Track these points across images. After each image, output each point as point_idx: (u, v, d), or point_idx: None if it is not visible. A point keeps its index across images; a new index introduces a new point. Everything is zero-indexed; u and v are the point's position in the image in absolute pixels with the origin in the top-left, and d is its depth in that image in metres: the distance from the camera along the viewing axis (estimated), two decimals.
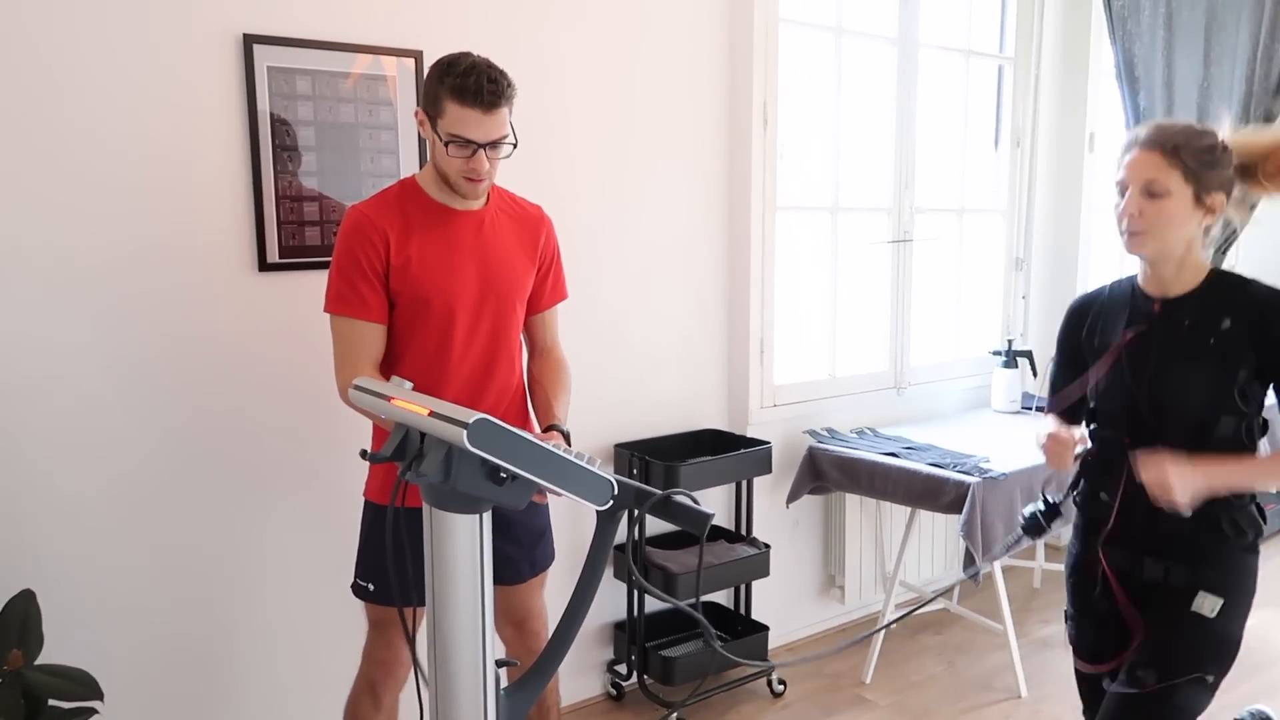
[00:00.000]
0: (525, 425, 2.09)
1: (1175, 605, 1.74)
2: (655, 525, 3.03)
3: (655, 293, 3.00)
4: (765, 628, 3.04)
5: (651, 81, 2.89)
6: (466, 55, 1.84)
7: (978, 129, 3.94)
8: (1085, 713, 2.00)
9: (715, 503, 3.19)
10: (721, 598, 3.23)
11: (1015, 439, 3.26)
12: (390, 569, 1.53)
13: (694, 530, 1.53)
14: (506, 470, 1.35)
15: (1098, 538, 1.85)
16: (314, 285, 2.27)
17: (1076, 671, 1.98)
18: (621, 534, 2.99)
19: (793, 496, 3.26)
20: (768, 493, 3.28)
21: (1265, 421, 1.73)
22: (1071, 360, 1.93)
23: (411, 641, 1.61)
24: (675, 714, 2.84)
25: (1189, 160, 1.66)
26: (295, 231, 2.35)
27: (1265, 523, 1.75)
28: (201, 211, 2.22)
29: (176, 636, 2.29)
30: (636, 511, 1.50)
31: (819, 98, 3.36)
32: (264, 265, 2.31)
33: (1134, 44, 3.80)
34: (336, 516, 2.40)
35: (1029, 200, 4.01)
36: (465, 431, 1.27)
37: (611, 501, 1.44)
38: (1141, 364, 1.75)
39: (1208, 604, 1.70)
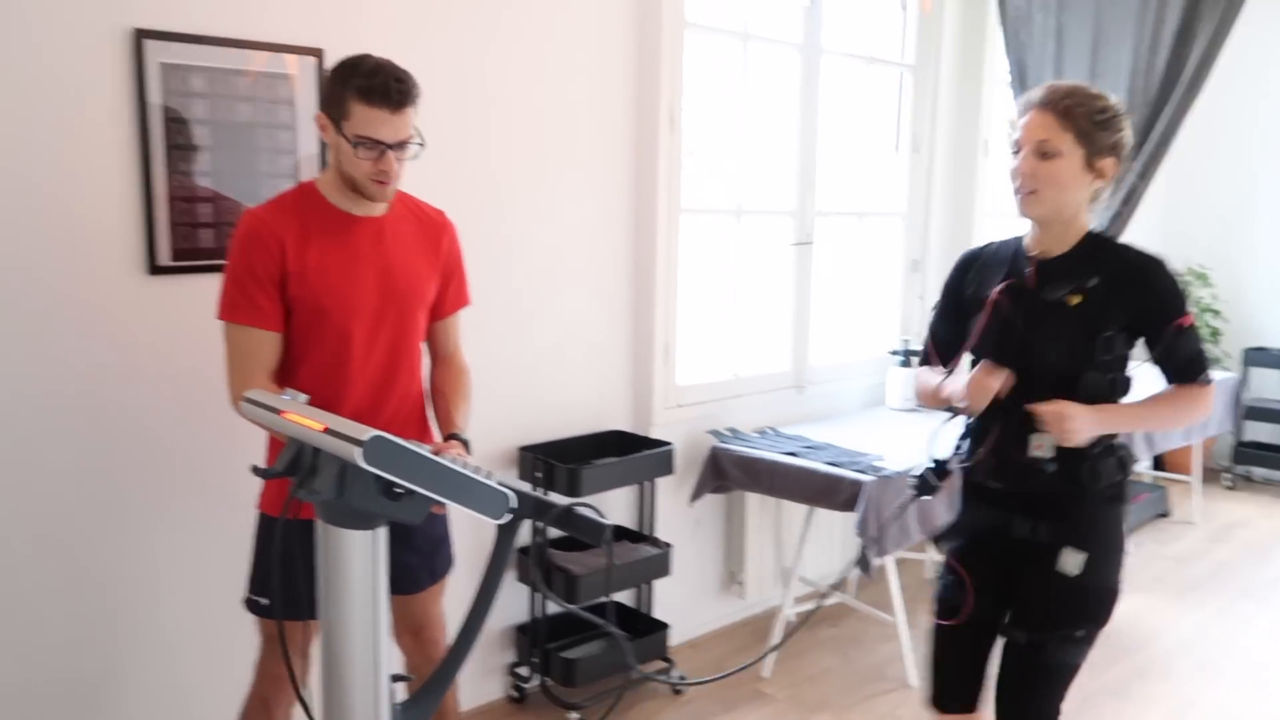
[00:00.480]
0: (425, 435, 2.08)
1: (1043, 563, 1.81)
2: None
3: (559, 295, 3.01)
4: (666, 626, 3.10)
5: (557, 83, 2.90)
6: (369, 56, 1.83)
7: (879, 134, 4.06)
8: (936, 665, 2.01)
9: (619, 503, 3.22)
10: (623, 596, 3.27)
11: (909, 436, 3.39)
12: (275, 584, 1.50)
13: (593, 542, 1.56)
14: (402, 487, 1.35)
15: (974, 494, 1.92)
16: (208, 289, 2.19)
17: (944, 631, 1.97)
18: (525, 536, 3.00)
19: (695, 495, 3.32)
20: (671, 492, 3.33)
21: (1129, 379, 1.80)
22: (952, 310, 1.97)
23: (289, 658, 1.59)
24: (577, 715, 2.87)
25: (1081, 122, 1.71)
26: (188, 233, 2.28)
27: (1128, 474, 1.82)
28: (87, 213, 2.14)
29: (67, 650, 2.21)
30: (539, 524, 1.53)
31: (725, 102, 3.42)
32: (154, 268, 2.24)
33: (1026, 54, 3.97)
34: (231, 528, 2.35)
35: (927, 204, 4.15)
36: (360, 449, 1.27)
37: (509, 515, 1.46)
38: (1012, 320, 1.80)
39: (1071, 562, 1.77)
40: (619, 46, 3.03)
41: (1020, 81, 3.96)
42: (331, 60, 2.38)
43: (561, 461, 2.94)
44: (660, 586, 3.24)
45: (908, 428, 3.57)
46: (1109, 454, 1.80)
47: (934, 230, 4.20)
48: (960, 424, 1.93)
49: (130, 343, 2.23)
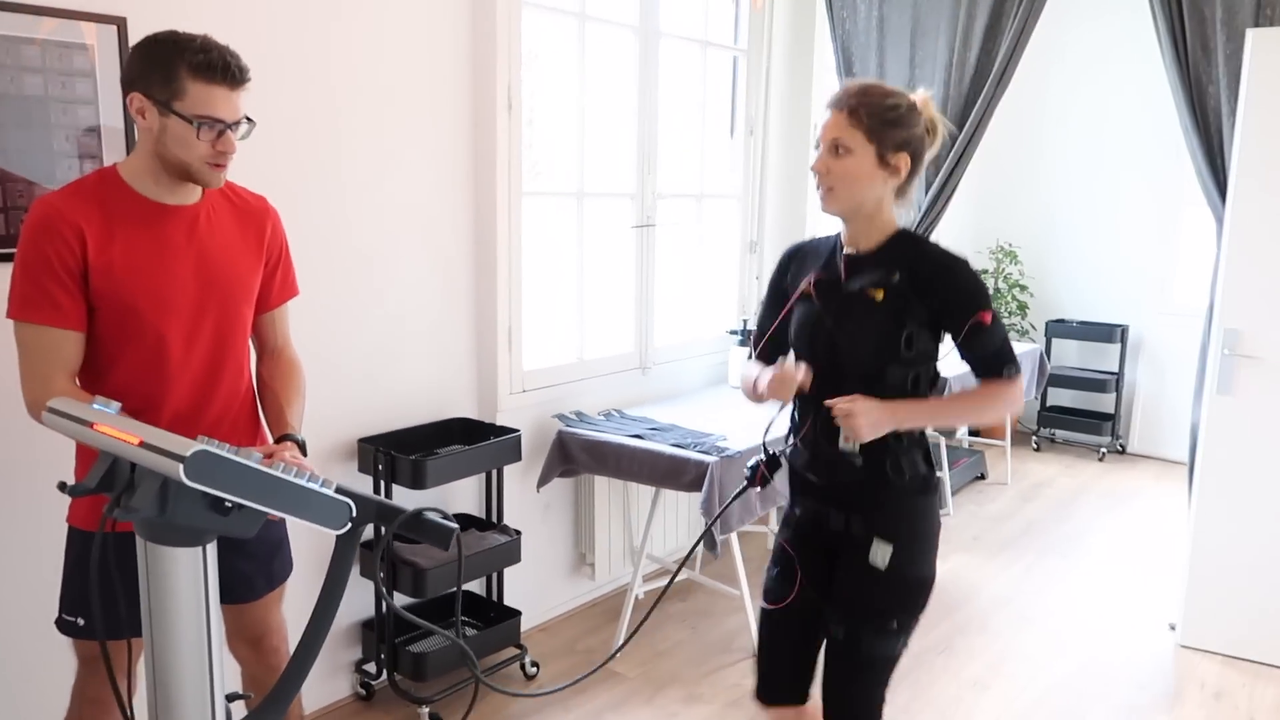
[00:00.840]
0: (256, 436, 1.97)
1: (855, 555, 1.84)
2: None
3: (398, 280, 2.90)
4: (518, 613, 3.07)
5: (392, 62, 2.77)
6: (185, 33, 1.69)
7: (715, 117, 4.12)
8: (761, 653, 2.03)
9: (465, 491, 3.17)
10: (474, 584, 3.22)
11: (751, 415, 3.48)
12: (94, 602, 1.38)
13: (442, 547, 1.51)
14: (232, 501, 1.27)
15: (798, 485, 1.95)
16: (1, 279, 2.00)
17: (763, 611, 2.01)
18: (367, 531, 2.90)
19: (543, 480, 3.30)
20: (518, 478, 3.29)
21: (937, 374, 1.86)
22: (774, 303, 1.99)
23: (115, 680, 1.47)
24: (428, 710, 2.81)
25: (870, 120, 1.74)
26: None
27: (934, 468, 1.89)
28: None
29: None
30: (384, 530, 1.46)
31: (564, 84, 3.37)
32: None
33: (851, 42, 4.12)
34: (36, 544, 2.15)
35: (761, 186, 4.25)
36: (181, 465, 1.18)
37: (349, 525, 1.39)
38: (822, 314, 1.84)
39: (880, 554, 1.81)
40: (455, 25, 2.93)
41: (847, 69, 4.11)
42: (137, 30, 2.21)
43: (404, 452, 2.86)
44: (510, 572, 3.21)
45: (749, 407, 3.66)
46: (914, 447, 1.84)
47: (769, 212, 4.31)
48: (787, 415, 1.97)
49: None
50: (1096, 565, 4.14)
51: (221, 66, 1.66)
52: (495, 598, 3.16)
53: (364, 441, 2.82)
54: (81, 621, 1.79)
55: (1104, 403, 5.87)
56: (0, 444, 2.12)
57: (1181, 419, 5.65)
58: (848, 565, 1.87)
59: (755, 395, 1.89)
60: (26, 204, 2.13)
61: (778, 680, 2.01)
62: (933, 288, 1.77)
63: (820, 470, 1.88)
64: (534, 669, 3.14)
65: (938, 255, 1.80)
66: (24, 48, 2.09)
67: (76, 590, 1.80)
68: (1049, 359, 5.76)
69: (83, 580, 1.78)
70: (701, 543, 2.98)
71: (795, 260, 1.98)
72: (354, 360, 2.82)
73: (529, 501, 3.36)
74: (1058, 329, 5.85)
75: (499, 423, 3.17)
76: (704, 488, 2.91)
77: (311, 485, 1.33)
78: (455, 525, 1.49)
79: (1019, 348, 5.15)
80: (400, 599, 2.89)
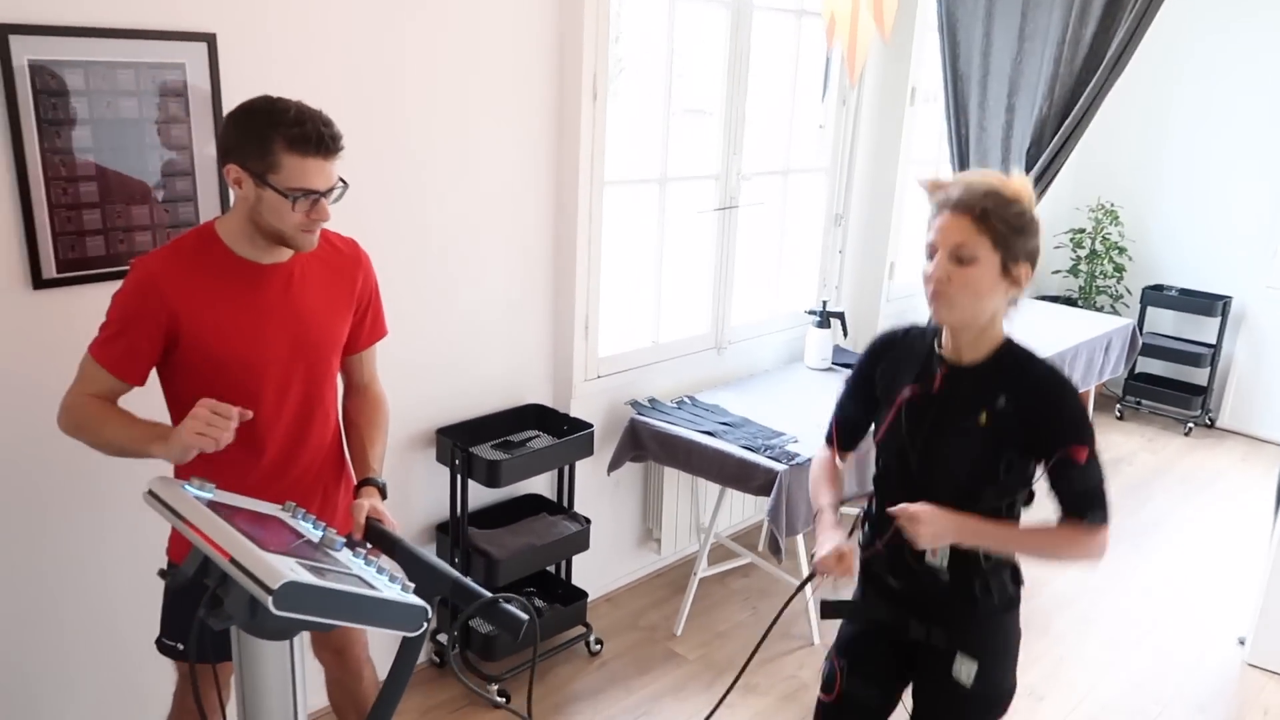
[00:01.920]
0: (341, 477, 2.03)
1: (938, 667, 1.83)
2: (477, 499, 3.06)
3: (478, 270, 2.93)
4: (585, 594, 3.18)
5: (477, 54, 2.73)
6: (280, 102, 1.69)
7: (805, 89, 3.96)
8: None
9: (538, 475, 3.24)
10: None
11: (826, 403, 3.46)
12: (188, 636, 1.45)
13: (511, 635, 1.58)
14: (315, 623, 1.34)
15: (873, 589, 1.93)
16: (100, 301, 2.06)
17: (825, 706, 2.00)
18: (443, 513, 3.01)
19: (614, 465, 3.36)
20: (590, 458, 3.35)
21: (1032, 494, 1.82)
22: (861, 392, 1.94)
23: (200, 702, 1.58)
24: (497, 687, 2.97)
25: (999, 226, 1.63)
26: (75, 242, 2.13)
27: (1019, 587, 1.86)
28: None
29: None
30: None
31: (650, 66, 3.28)
32: (39, 282, 2.10)
33: (957, 7, 3.88)
34: (139, 553, 2.30)
35: (850, 158, 4.11)
36: (271, 598, 1.25)
37: (425, 626, 1.46)
38: (917, 426, 1.77)
39: (964, 670, 1.79)
40: (541, 15, 2.85)
41: (950, 36, 3.88)
42: (226, 45, 2.22)
43: (480, 440, 2.94)
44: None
45: (824, 393, 3.64)
46: (1003, 567, 1.80)
47: (857, 183, 4.18)
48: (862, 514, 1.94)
49: (18, 363, 2.10)
50: (1168, 562, 4.07)
51: (316, 139, 1.66)
52: (564, 576, 3.28)
53: (442, 433, 2.91)
54: (180, 647, 1.92)
55: (1196, 376, 5.66)
56: (105, 465, 2.25)
57: (1278, 398, 5.44)
58: (929, 676, 1.86)
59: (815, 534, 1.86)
60: (125, 225, 2.19)
61: None
62: (1036, 415, 1.68)
63: (901, 577, 1.85)
64: (598, 646, 3.27)
65: (1047, 379, 1.70)
66: (119, 72, 2.11)
67: (172, 619, 1.93)
68: (1142, 327, 5.55)
69: (178, 611, 1.90)
70: (768, 547, 3.02)
71: (887, 354, 1.89)
72: (433, 349, 2.87)
73: (599, 479, 3.44)
74: (1154, 296, 5.60)
75: (573, 408, 3.22)
76: (772, 494, 2.94)
77: (391, 597, 1.39)
78: (525, 617, 1.55)
79: (1112, 320, 4.97)
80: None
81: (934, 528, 1.68)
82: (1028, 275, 1.69)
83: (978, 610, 1.81)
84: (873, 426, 1.93)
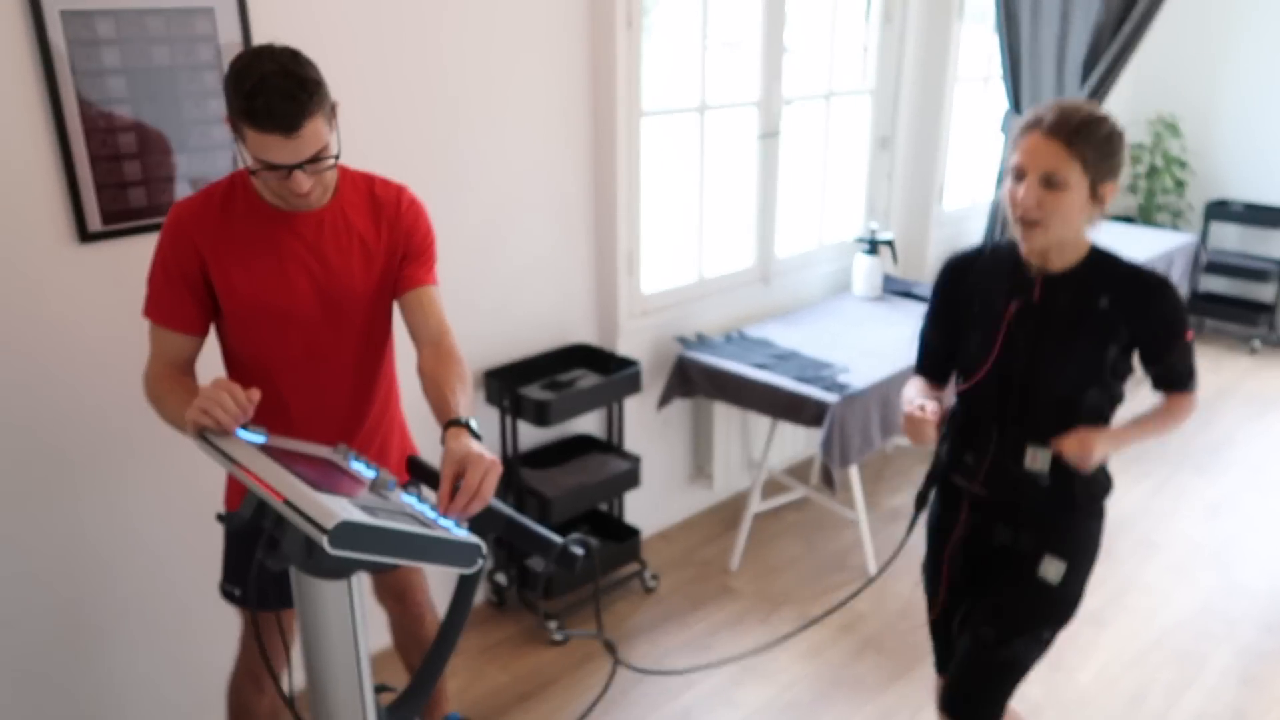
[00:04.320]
0: (392, 436, 2.01)
1: (1022, 568, 1.86)
2: (527, 439, 3.07)
3: (517, 211, 2.89)
4: (638, 531, 3.19)
5: None
6: (258, 60, 1.54)
7: (848, 8, 3.82)
8: (937, 657, 2.12)
9: (587, 414, 3.23)
10: None
11: (875, 334, 3.40)
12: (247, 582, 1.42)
13: (568, 570, 1.57)
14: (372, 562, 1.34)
15: (959, 497, 1.95)
16: (145, 251, 2.07)
17: (931, 622, 2.09)
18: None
19: (663, 401, 3.34)
20: (638, 395, 3.34)
21: (1123, 392, 1.83)
22: (946, 319, 1.92)
23: (265, 650, 1.58)
24: (554, 623, 3.00)
25: (1089, 152, 1.63)
26: (117, 194, 2.13)
27: (1111, 486, 1.88)
28: (4, 185, 1.98)
29: (42, 638, 2.24)
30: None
31: None
32: (85, 235, 2.11)
33: None
34: (196, 503, 2.34)
35: (898, 77, 3.97)
36: (326, 538, 1.25)
37: (481, 564, 1.46)
38: (1019, 339, 1.78)
39: (1053, 570, 1.83)
40: None
41: None
42: None
43: (528, 381, 2.94)
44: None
45: (874, 322, 3.57)
46: (1098, 470, 1.83)
47: (904, 105, 4.04)
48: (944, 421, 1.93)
49: (69, 316, 2.12)
50: (1234, 483, 3.97)
51: (266, 114, 1.51)
52: (617, 514, 3.29)
53: (490, 375, 2.90)
54: (238, 592, 1.95)
55: (1263, 293, 5.46)
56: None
57: None
58: (1012, 575, 1.88)
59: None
60: (165, 175, 2.19)
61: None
62: (1141, 313, 1.71)
63: (999, 489, 1.87)
64: (653, 582, 3.28)
65: (1144, 278, 1.73)
66: (149, 19, 2.09)
67: (232, 565, 1.95)
68: (1206, 244, 5.35)
69: (236, 557, 1.93)
70: (821, 479, 2.99)
71: (966, 278, 1.88)
72: (477, 292, 2.86)
73: (649, 417, 3.42)
74: (1218, 211, 5.39)
75: (620, 347, 3.20)
76: (824, 426, 2.90)
77: (445, 535, 1.39)
78: (582, 552, 1.55)
79: (1174, 237, 4.80)
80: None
81: (1100, 450, 1.72)
82: (1113, 192, 1.70)
83: (1074, 512, 1.85)
84: (971, 351, 1.88)
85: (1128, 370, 1.80)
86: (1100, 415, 1.80)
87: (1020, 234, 1.72)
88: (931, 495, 2.03)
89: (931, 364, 1.99)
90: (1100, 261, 1.76)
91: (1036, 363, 1.77)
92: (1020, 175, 1.68)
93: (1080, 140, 1.63)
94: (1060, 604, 1.87)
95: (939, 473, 1.99)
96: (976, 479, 1.89)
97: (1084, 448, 1.72)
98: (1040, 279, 1.77)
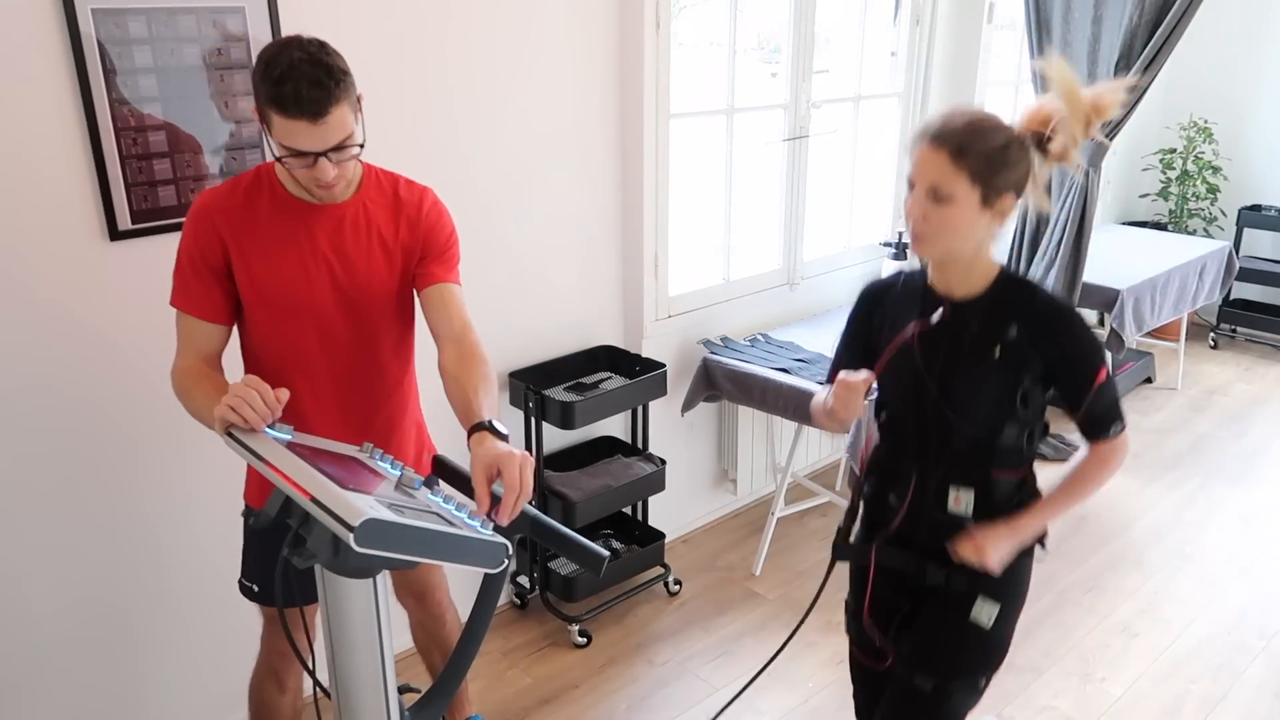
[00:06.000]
0: (409, 437, 2.01)
1: (954, 610, 1.76)
2: (552, 441, 3.06)
3: (544, 213, 2.88)
4: (662, 535, 3.17)
5: None
6: (287, 49, 1.56)
7: (876, 12, 3.79)
8: (856, 698, 2.04)
9: (612, 417, 3.22)
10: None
11: None
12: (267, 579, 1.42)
13: (593, 571, 1.56)
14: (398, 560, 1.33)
15: (881, 537, 1.83)
16: (174, 251, 2.08)
17: (851, 660, 2.01)
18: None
19: (687, 406, 3.32)
20: (663, 399, 3.32)
21: (1046, 425, 1.76)
22: (859, 343, 1.84)
23: (294, 640, 1.57)
24: (577, 627, 2.98)
25: (976, 163, 1.53)
26: (147, 193, 2.14)
27: (1045, 531, 1.79)
28: (36, 184, 2.00)
29: (71, 636, 2.25)
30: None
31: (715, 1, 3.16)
32: (115, 233, 2.12)
33: None
34: (220, 500, 2.34)
35: (925, 81, 3.94)
36: (352, 535, 1.24)
37: (506, 564, 1.44)
38: (932, 361, 1.69)
39: (985, 612, 1.73)
40: None
41: None
42: None
43: (553, 383, 2.93)
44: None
45: None
46: (1024, 511, 1.73)
47: (933, 108, 4.00)
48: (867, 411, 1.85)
49: (99, 313, 2.13)
50: (1268, 494, 3.90)
51: (293, 99, 1.52)
52: (640, 517, 3.27)
53: (514, 376, 2.89)
54: (256, 588, 1.95)
55: None
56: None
57: None
58: (942, 619, 1.78)
59: (830, 420, 1.77)
60: (195, 174, 2.20)
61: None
62: (1049, 343, 1.62)
63: (923, 532, 1.77)
64: (677, 587, 3.26)
65: (1053, 306, 1.64)
66: (180, 18, 2.10)
67: (251, 561, 1.95)
68: (1239, 250, 5.27)
69: (255, 553, 1.93)
70: (847, 482, 2.96)
71: (880, 303, 1.79)
72: (503, 293, 2.85)
73: (673, 420, 3.40)
74: (1252, 218, 5.30)
75: (644, 349, 3.19)
76: (850, 430, 2.87)
77: (471, 534, 1.38)
78: (606, 554, 1.53)
79: (1206, 244, 4.73)
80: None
81: (1001, 548, 1.65)
82: (1013, 204, 1.60)
83: None
84: (882, 379, 1.80)
85: (1042, 405, 1.70)
86: (1018, 452, 1.70)
87: (913, 247, 1.64)
88: (854, 534, 1.92)
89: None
90: (1009, 287, 1.66)
91: (949, 396, 1.68)
92: (912, 187, 1.60)
93: (967, 152, 1.52)
94: (995, 647, 1.78)
95: (865, 513, 1.89)
96: (899, 519, 1.79)
97: (979, 553, 1.64)
98: (947, 304, 1.67)
